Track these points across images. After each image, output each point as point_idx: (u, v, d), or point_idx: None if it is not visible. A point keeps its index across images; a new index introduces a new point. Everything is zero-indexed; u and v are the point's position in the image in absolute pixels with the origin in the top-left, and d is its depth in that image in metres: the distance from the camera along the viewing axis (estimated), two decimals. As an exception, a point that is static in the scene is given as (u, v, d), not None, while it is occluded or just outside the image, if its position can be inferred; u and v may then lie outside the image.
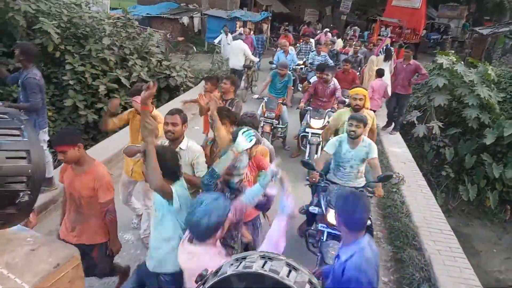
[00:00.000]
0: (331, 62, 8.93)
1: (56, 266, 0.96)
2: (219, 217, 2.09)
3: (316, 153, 5.75)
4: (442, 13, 23.25)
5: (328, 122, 6.00)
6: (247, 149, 2.61)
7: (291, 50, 9.67)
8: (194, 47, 13.69)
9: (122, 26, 8.16)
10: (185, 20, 17.67)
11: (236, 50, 9.05)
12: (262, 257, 1.12)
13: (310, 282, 1.04)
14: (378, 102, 7.64)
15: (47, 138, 4.67)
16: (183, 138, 3.27)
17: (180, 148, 3.21)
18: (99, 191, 2.82)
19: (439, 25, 22.82)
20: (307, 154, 5.82)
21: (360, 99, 4.61)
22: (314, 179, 3.77)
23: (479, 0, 22.34)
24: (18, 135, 0.91)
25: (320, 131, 5.92)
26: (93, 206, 2.85)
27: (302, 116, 6.79)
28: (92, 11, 8.35)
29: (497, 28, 15.08)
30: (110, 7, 12.19)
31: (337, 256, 2.25)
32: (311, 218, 3.97)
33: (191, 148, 3.27)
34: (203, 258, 2.11)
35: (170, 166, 2.59)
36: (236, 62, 9.12)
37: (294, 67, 9.13)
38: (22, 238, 1.02)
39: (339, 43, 12.84)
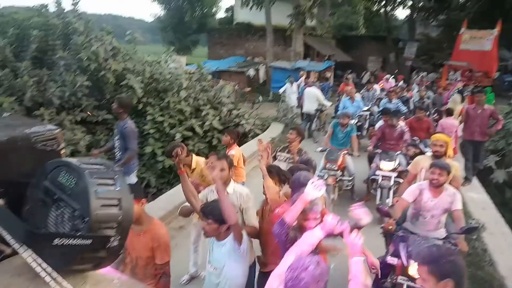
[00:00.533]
0: (404, 109, 8.88)
1: None
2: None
3: (388, 197, 5.60)
4: (516, 54, 22.21)
5: (398, 164, 5.95)
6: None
7: (357, 97, 9.80)
8: (260, 97, 14.33)
9: (197, 80, 8.88)
10: (251, 72, 18.70)
11: (309, 96, 9.88)
12: None
13: None
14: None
15: (135, 180, 5.15)
16: (230, 182, 3.30)
17: (227, 192, 3.18)
18: (156, 252, 2.72)
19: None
20: (378, 198, 5.65)
21: (441, 146, 4.44)
22: (390, 227, 3.60)
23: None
24: (112, 185, 0.99)
25: (390, 174, 5.83)
26: (149, 267, 2.77)
27: (370, 160, 6.71)
28: (171, 67, 9.24)
29: None
30: (185, 63, 13.33)
31: None
32: (387, 270, 3.72)
33: (238, 191, 3.29)
34: None
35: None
36: (310, 107, 9.94)
37: (360, 113, 9.20)
38: (110, 279, 1.08)
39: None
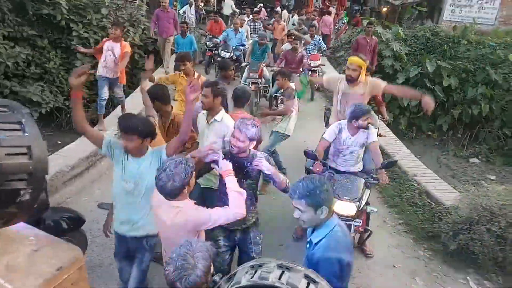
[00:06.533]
0: (324, 46, 10.28)
1: (59, 269, 0.91)
2: (181, 181, 2.31)
3: None
4: (361, -14, 26.40)
5: None
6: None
7: (242, 29, 10.33)
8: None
9: (112, -1, 9.61)
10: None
11: (228, 4, 14.67)
12: (280, 266, 1.10)
13: None
14: (326, 29, 12.74)
15: None
16: (220, 110, 3.52)
17: (214, 119, 3.49)
18: None
19: (359, -3, 26.07)
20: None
21: (354, 70, 4.28)
22: (318, 169, 3.82)
23: (391, -25, 25.69)
24: (18, 130, 0.86)
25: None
26: None
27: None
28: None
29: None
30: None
31: (309, 242, 2.24)
32: None
33: (225, 122, 3.48)
34: (189, 211, 2.40)
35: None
36: (227, 10, 14.86)
37: (241, 45, 9.96)
38: (25, 237, 0.94)
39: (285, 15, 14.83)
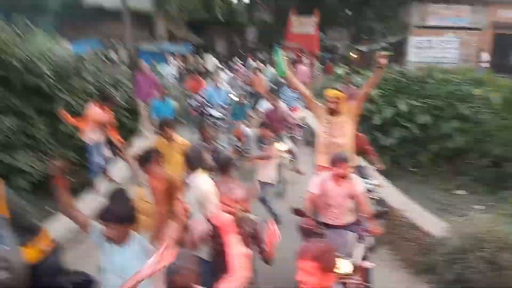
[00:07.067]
0: None
1: None
2: (191, 277, 2.08)
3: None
4: (330, 36, 28.02)
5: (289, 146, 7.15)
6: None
7: (222, 85, 10.45)
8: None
9: (93, 63, 9.96)
10: (113, 55, 19.26)
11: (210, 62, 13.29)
12: None
13: None
14: (304, 78, 12.00)
15: None
16: (192, 174, 3.48)
17: (188, 184, 3.46)
18: None
19: (328, 46, 27.59)
20: None
21: (333, 102, 4.47)
22: (310, 227, 3.68)
23: (356, 24, 27.43)
24: None
25: (285, 154, 6.71)
26: None
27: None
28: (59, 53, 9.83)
29: (371, 45, 19.53)
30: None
31: None
32: None
33: (198, 186, 3.39)
34: None
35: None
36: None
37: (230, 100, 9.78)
38: None
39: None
